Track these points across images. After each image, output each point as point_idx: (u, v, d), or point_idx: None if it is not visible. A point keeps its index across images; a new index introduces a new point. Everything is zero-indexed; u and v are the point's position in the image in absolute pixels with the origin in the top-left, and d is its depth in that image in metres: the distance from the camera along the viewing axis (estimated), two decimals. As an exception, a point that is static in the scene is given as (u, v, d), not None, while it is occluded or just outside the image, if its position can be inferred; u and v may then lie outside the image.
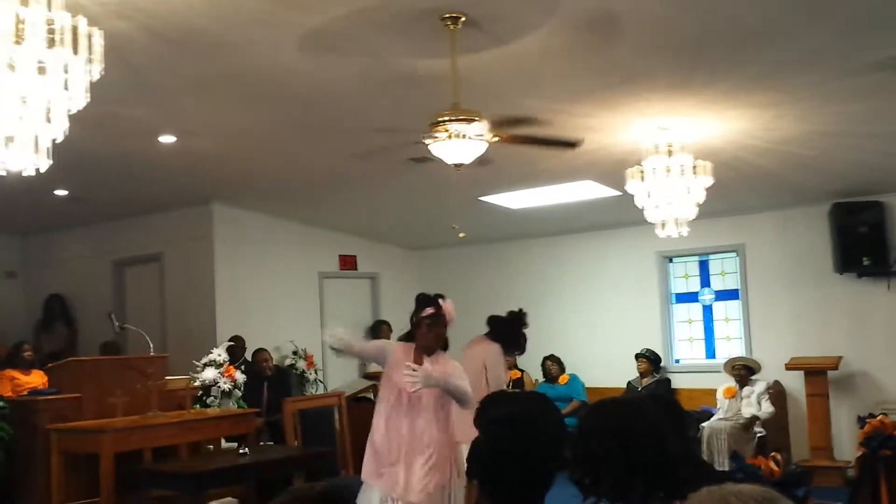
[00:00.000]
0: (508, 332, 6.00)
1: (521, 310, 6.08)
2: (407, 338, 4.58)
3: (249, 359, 8.48)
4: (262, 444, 7.41)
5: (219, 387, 6.84)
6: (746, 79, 5.16)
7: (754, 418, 7.84)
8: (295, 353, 9.03)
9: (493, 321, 6.11)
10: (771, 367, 8.31)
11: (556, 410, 2.10)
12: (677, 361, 9.38)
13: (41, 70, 2.97)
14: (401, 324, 10.17)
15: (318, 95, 5.47)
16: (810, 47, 4.69)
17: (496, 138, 4.63)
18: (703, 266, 9.37)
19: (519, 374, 9.37)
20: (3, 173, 3.22)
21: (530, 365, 9.41)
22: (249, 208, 9.09)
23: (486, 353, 5.85)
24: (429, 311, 4.39)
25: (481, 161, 4.84)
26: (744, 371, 8.22)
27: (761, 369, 8.29)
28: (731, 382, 8.29)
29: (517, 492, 2.00)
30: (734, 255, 9.07)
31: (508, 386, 8.85)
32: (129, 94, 5.22)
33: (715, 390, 8.45)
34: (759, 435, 7.85)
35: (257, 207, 9.10)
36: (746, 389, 8.14)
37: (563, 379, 9.37)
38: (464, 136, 4.40)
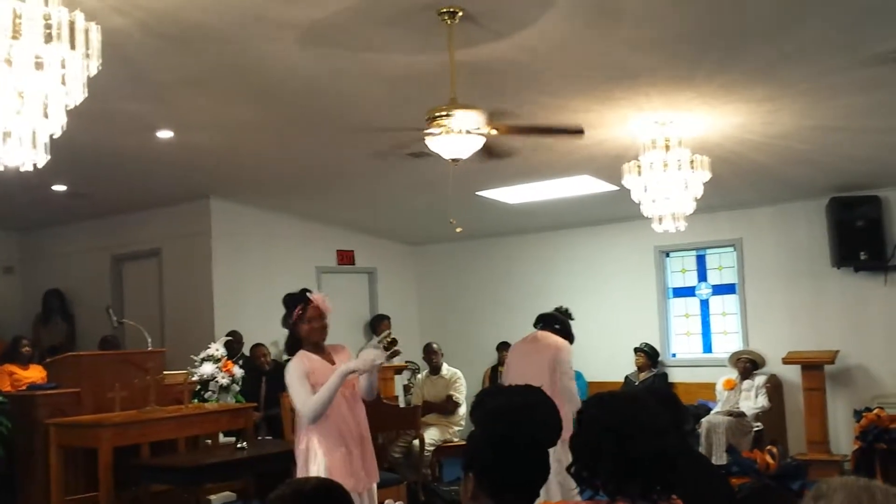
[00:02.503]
0: (564, 327, 5.95)
1: (566, 308, 6.09)
2: (293, 348, 4.29)
3: (247, 353, 8.49)
4: (260, 438, 7.43)
5: (217, 381, 6.85)
6: (746, 72, 5.17)
7: (742, 414, 7.87)
8: (293, 347, 9.03)
9: (551, 317, 6.01)
10: (768, 361, 8.36)
11: (552, 402, 2.11)
12: (674, 356, 9.40)
13: (38, 65, 2.96)
14: (400, 318, 10.30)
15: (315, 90, 5.47)
16: (809, 41, 4.70)
17: (495, 131, 4.63)
18: (701, 260, 9.39)
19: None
20: (1, 168, 3.22)
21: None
22: (247, 203, 9.09)
23: (556, 346, 5.74)
24: (298, 310, 4.22)
25: (498, 153, 4.83)
26: (749, 364, 8.27)
27: (766, 364, 8.34)
28: (731, 375, 8.33)
29: (513, 483, 2.01)
30: (731, 249, 9.09)
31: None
32: (127, 89, 5.22)
33: (711, 384, 8.49)
34: (756, 429, 7.87)
35: (255, 202, 9.10)
36: (747, 383, 8.18)
37: None
38: (461, 131, 4.41)
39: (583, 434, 2.09)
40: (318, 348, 4.27)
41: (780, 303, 8.63)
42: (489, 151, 4.82)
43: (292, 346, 4.30)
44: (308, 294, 4.31)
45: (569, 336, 5.95)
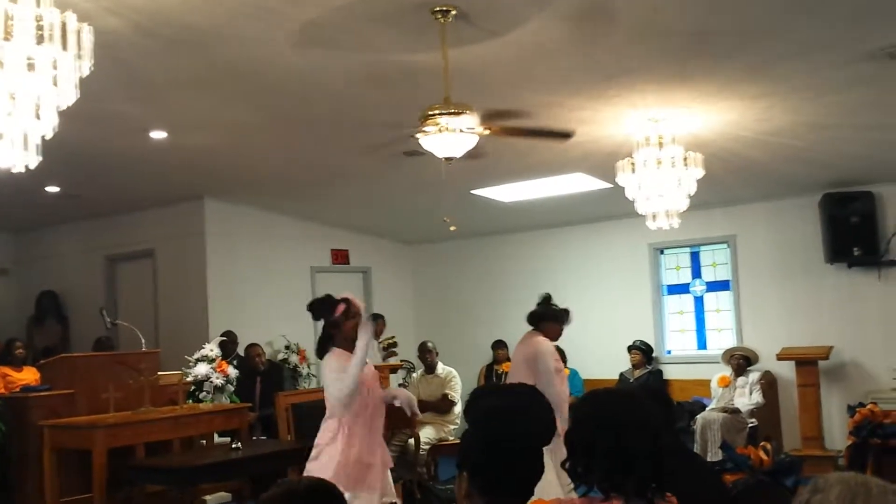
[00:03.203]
0: (548, 314, 5.91)
1: (546, 294, 6.05)
2: (324, 347, 4.46)
3: (242, 353, 8.48)
4: (254, 438, 7.42)
5: (211, 382, 6.85)
6: (739, 70, 5.17)
7: (737, 410, 7.89)
8: (287, 347, 9.03)
9: (530, 316, 5.98)
10: (762, 357, 8.37)
11: (545, 401, 2.11)
12: (669, 353, 9.42)
13: (30, 66, 2.96)
14: (395, 317, 10.31)
15: (309, 90, 5.46)
16: (802, 38, 4.70)
17: (487, 131, 4.64)
18: (695, 257, 9.41)
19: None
20: (-7, 170, 3.22)
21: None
22: (241, 203, 9.08)
23: (533, 347, 5.75)
24: (342, 307, 4.43)
25: (472, 154, 4.85)
26: (742, 361, 8.27)
27: (759, 360, 8.35)
28: (725, 372, 8.34)
29: (507, 482, 2.01)
30: (725, 246, 9.11)
31: (503, 378, 8.89)
32: (120, 89, 5.21)
33: (706, 381, 8.51)
34: (750, 425, 7.89)
35: (249, 202, 9.09)
36: (741, 380, 8.19)
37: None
38: (454, 130, 4.41)
39: (577, 430, 2.09)
40: (351, 347, 4.42)
41: (773, 299, 8.65)
42: (557, 134, 4.86)
43: (324, 345, 4.48)
44: (346, 296, 4.56)
45: (557, 321, 5.88)
